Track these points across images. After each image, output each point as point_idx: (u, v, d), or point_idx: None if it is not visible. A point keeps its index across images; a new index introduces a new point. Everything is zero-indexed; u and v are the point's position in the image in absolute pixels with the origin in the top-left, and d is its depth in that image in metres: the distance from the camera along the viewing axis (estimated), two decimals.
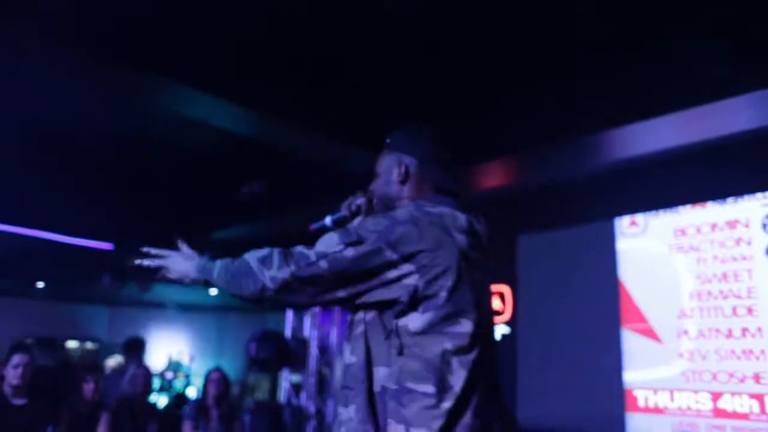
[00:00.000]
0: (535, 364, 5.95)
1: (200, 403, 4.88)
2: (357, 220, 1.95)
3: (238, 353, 8.13)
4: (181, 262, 1.88)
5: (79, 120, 4.14)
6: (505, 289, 6.52)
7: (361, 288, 1.67)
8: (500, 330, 6.44)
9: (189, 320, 8.20)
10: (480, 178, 4.94)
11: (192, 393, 7.36)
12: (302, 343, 4.22)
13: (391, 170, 1.94)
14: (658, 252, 5.20)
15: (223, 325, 8.06)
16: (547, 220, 6.16)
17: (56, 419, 3.89)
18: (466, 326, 1.65)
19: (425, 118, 4.19)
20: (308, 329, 4.37)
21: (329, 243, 1.68)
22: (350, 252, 1.64)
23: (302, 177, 4.55)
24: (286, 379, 4.49)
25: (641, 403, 5.03)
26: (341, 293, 1.68)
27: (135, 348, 5.67)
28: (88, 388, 4.31)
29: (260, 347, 4.00)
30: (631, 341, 5.20)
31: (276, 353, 4.05)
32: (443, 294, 1.63)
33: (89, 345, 9.49)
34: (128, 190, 5.16)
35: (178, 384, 7.33)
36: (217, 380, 4.90)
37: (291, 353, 4.14)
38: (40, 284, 7.92)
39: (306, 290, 1.67)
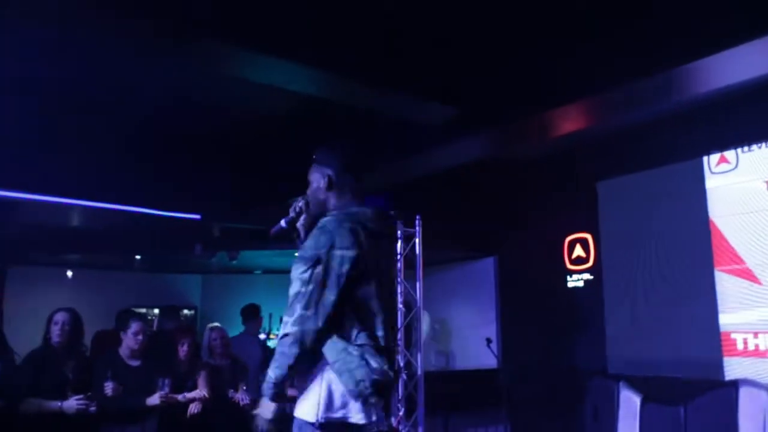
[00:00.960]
0: (623, 310, 5.85)
1: None
2: (302, 219, 2.53)
3: None
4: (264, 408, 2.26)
5: (160, 95, 4.31)
6: (587, 236, 6.40)
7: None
8: (584, 277, 6.36)
9: (276, 284, 8.50)
10: (555, 124, 4.80)
11: None
12: None
13: (319, 181, 2.50)
14: (752, 188, 4.95)
15: None
16: (627, 164, 5.96)
17: (165, 375, 4.19)
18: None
19: (497, 65, 4.12)
20: None
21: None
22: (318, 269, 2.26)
23: (377, 135, 4.58)
24: None
25: (740, 346, 4.87)
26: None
27: (250, 315, 5.98)
28: (182, 349, 4.60)
29: None
30: (725, 283, 5.01)
31: None
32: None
33: (185, 312, 10.04)
34: (211, 160, 5.35)
35: (272, 344, 7.68)
36: None
37: None
38: (138, 257, 8.41)
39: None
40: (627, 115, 5.12)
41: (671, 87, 4.00)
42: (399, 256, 4.50)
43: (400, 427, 4.32)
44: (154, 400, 4.11)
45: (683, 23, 3.47)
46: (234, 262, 7.73)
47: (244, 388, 4.90)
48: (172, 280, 10.15)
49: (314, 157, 2.55)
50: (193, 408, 4.24)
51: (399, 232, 4.54)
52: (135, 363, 4.29)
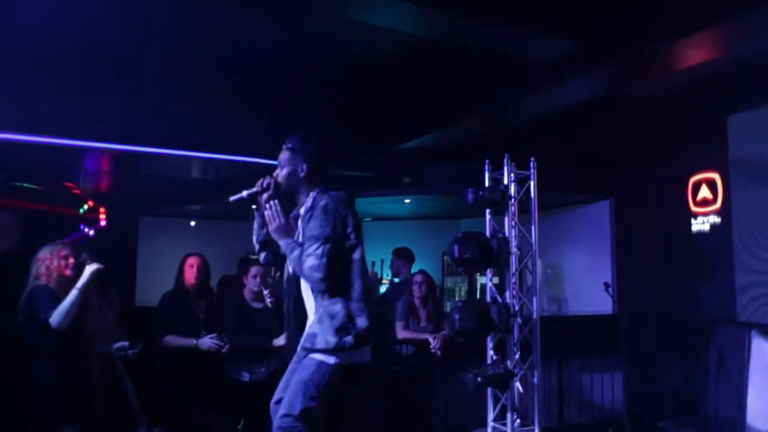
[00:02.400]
0: (754, 255, 5.45)
1: (408, 304, 5.17)
2: (265, 195, 2.82)
3: (434, 259, 8.45)
4: (280, 230, 2.82)
5: (273, 44, 4.37)
6: (714, 176, 5.96)
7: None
8: (710, 220, 5.96)
9: (385, 231, 8.65)
10: (682, 54, 4.44)
11: None
12: (504, 243, 4.24)
13: (295, 168, 2.87)
14: None
15: (418, 233, 8.39)
16: (762, 95, 5.44)
17: None
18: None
19: None
20: (507, 229, 4.37)
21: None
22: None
23: (489, 75, 4.44)
24: (490, 278, 4.58)
25: None
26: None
27: (406, 256, 6.11)
28: None
29: (463, 248, 4.10)
30: None
31: (479, 253, 4.13)
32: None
33: None
34: (323, 108, 5.41)
35: (383, 289, 7.86)
36: (421, 282, 5.14)
37: (493, 253, 4.20)
38: (254, 206, 8.78)
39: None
40: (764, 42, 4.65)
41: None
42: (512, 200, 4.40)
43: (516, 370, 4.31)
44: (280, 341, 4.34)
45: None
46: None
47: None
48: None
49: (290, 145, 2.88)
50: None
51: (512, 175, 4.42)
52: (258, 305, 4.53)
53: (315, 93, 5.23)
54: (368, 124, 5.83)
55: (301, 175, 2.87)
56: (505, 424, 4.30)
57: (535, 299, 4.44)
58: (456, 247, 4.09)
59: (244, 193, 2.85)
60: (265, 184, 2.84)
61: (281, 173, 2.89)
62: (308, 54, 4.70)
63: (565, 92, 4.56)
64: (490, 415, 4.45)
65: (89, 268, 3.63)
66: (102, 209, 7.86)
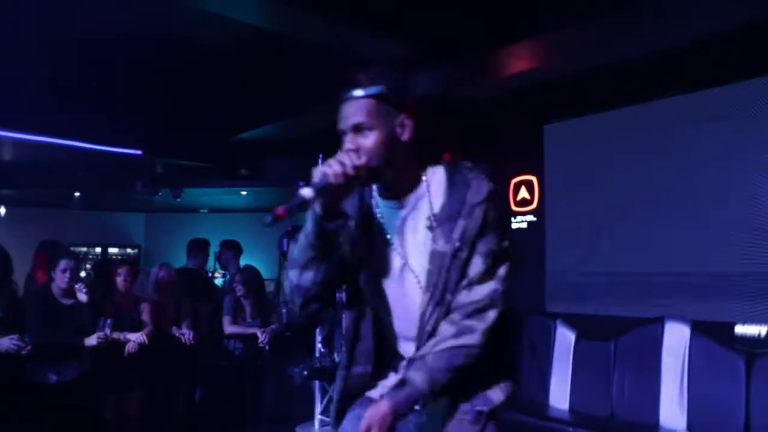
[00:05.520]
0: (563, 251, 5.98)
1: (235, 299, 5.08)
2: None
3: (272, 252, 8.36)
4: None
5: (103, 23, 4.07)
6: (532, 178, 6.47)
7: None
8: (527, 219, 6.46)
9: (222, 223, 8.41)
10: (503, 63, 4.76)
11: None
12: None
13: (391, 128, 1.62)
14: None
15: (254, 226, 8.26)
16: (576, 107, 5.95)
17: (104, 314, 4.11)
18: None
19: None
20: None
21: None
22: None
23: (325, 71, 4.46)
24: None
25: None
26: None
27: (199, 248, 5.83)
28: (120, 280, 4.51)
29: (291, 242, 4.08)
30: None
31: None
32: None
33: (129, 251, 9.86)
34: (153, 94, 5.12)
35: (218, 282, 7.65)
36: (240, 281, 5.08)
37: None
38: (77, 194, 8.14)
39: None
40: (578, 58, 5.10)
41: (625, 31, 4.00)
42: None
43: None
44: (91, 341, 4.05)
45: None
46: (178, 200, 7.56)
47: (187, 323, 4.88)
48: (115, 219, 9.89)
49: (379, 89, 1.59)
50: (131, 347, 4.19)
51: None
52: (68, 301, 4.19)
53: (149, 79, 4.94)
54: (205, 113, 5.62)
55: (404, 138, 1.66)
56: None
57: None
58: (285, 241, 4.07)
59: (305, 193, 1.48)
60: (350, 170, 1.51)
61: (369, 142, 1.58)
62: (143, 37, 4.42)
63: None
64: (318, 408, 4.49)
65: None
66: None
